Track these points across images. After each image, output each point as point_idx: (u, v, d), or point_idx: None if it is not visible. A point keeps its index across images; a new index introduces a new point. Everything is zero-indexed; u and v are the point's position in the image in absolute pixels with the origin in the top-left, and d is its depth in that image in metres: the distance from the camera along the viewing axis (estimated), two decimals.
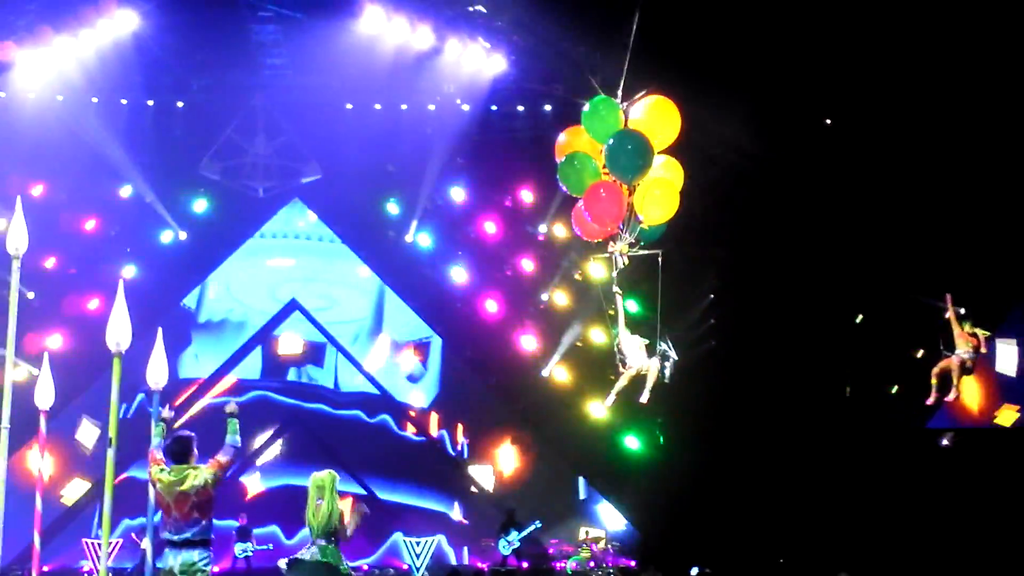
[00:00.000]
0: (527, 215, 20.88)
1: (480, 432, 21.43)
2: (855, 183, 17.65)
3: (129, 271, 19.92)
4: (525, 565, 18.84)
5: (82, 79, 18.61)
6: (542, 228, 20.69)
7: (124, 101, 19.73)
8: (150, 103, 19.98)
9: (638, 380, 11.94)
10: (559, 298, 20.74)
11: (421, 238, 21.13)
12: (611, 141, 10.69)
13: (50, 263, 19.89)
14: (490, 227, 21.11)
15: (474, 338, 21.25)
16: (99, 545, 18.00)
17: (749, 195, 18.42)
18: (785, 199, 18.15)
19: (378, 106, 20.03)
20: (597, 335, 19.63)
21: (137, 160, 20.03)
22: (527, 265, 21.00)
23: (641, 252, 11.20)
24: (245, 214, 21.40)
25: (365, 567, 19.05)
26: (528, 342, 20.73)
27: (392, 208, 21.21)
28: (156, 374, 7.71)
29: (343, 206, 21.27)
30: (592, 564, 18.82)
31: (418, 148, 19.95)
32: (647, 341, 12.14)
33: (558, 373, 20.53)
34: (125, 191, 20.68)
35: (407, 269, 21.49)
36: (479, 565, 19.33)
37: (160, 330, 7.87)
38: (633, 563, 19.45)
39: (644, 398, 11.98)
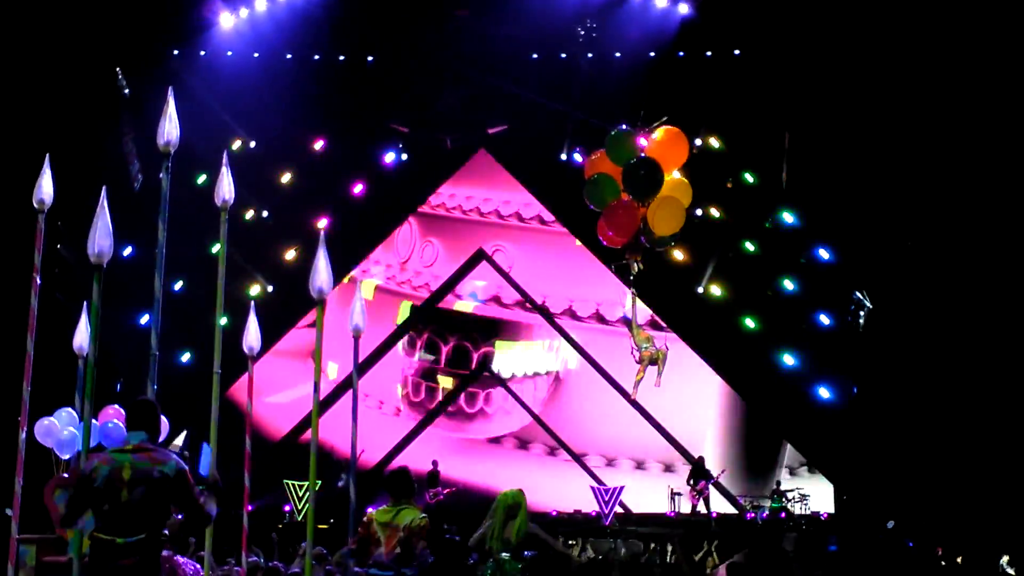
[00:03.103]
0: (714, 161, 20.51)
1: None
2: None
3: (323, 222, 20.55)
4: (714, 515, 18.77)
5: (277, 37, 19.28)
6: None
7: (316, 57, 20.25)
8: (341, 58, 20.47)
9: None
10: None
11: None
12: (627, 166, 12.74)
13: (248, 215, 20.64)
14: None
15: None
16: (300, 486, 18.77)
17: None
18: None
19: (563, 55, 19.99)
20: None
21: (329, 114, 20.65)
22: (715, 214, 20.64)
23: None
24: (434, 165, 21.72)
25: (554, 512, 19.27)
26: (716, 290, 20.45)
27: (578, 157, 21.15)
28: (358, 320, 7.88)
29: (529, 155, 21.34)
30: (783, 515, 18.58)
31: (603, 96, 19.79)
32: (653, 334, 15.21)
33: (748, 322, 20.21)
34: (318, 144, 21.31)
35: (594, 219, 21.38)
36: (669, 514, 19.31)
37: (359, 281, 8.05)
38: (825, 515, 19.14)
39: (657, 383, 15.01)
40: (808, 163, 19.26)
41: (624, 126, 13.81)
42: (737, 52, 19.52)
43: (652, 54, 19.46)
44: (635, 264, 13.44)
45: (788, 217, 20.03)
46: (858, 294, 18.61)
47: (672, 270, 20.52)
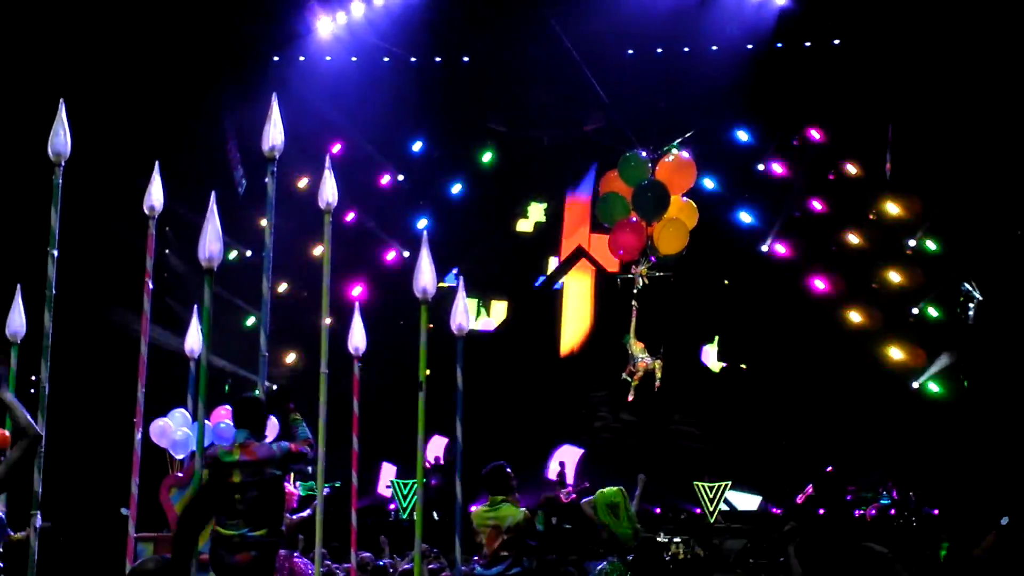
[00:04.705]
0: (815, 153, 20.20)
1: None
2: None
3: (422, 223, 20.71)
4: (821, 511, 18.47)
5: (374, 41, 19.50)
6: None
7: (413, 60, 20.42)
8: (437, 60, 20.61)
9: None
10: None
11: (707, 181, 20.81)
12: (637, 187, 14.26)
13: (349, 217, 20.89)
14: (777, 168, 20.53)
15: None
16: (403, 485, 18.94)
17: None
18: None
19: (659, 50, 19.86)
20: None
21: (427, 116, 20.82)
22: (817, 206, 20.32)
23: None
24: (531, 163, 21.73)
25: (658, 510, 19.13)
26: (820, 285, 20.09)
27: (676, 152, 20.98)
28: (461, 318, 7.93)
29: (625, 151, 21.21)
30: (893, 511, 18.20)
31: (701, 91, 19.60)
32: (643, 344, 15.97)
33: (853, 316, 19.85)
34: (416, 146, 21.48)
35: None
36: (774, 511, 19.07)
37: (461, 277, 8.09)
38: (936, 511, 18.70)
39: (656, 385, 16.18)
40: (913, 152, 18.88)
41: (642, 152, 15.54)
42: (837, 42, 19.20)
43: (750, 46, 19.22)
44: (640, 279, 14.87)
45: (893, 209, 19.63)
46: (967, 285, 18.19)
47: (774, 266, 20.28)
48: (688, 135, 18.06)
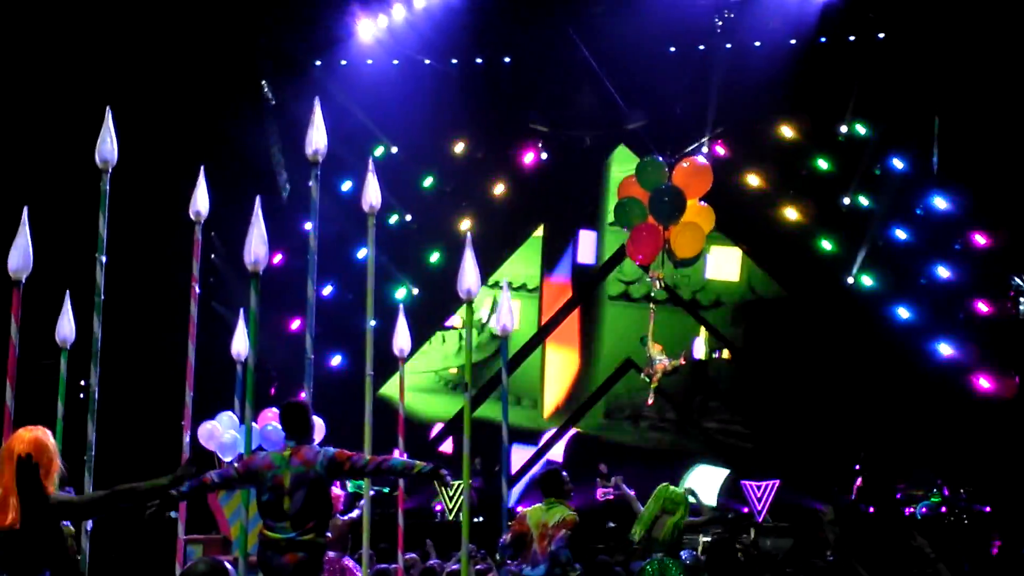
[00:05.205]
0: (862, 148, 20.00)
1: None
2: None
3: (465, 224, 20.73)
4: (871, 509, 18.25)
5: (415, 44, 19.55)
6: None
7: (454, 61, 20.45)
8: (479, 61, 20.63)
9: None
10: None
11: (750, 177, 20.69)
12: (654, 191, 14.48)
13: (393, 219, 20.94)
14: (823, 162, 20.32)
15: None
16: (451, 486, 18.94)
17: None
18: None
19: (701, 47, 19.77)
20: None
21: (468, 117, 20.83)
22: (863, 200, 20.10)
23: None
24: (573, 163, 21.69)
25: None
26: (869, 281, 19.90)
27: (720, 150, 20.88)
28: (506, 319, 7.94)
29: (668, 149, 21.13)
30: (944, 510, 17.99)
31: (744, 87, 19.47)
32: (661, 346, 16.15)
33: (902, 312, 19.64)
34: (458, 148, 21.50)
35: (736, 211, 21.11)
36: (820, 508, 18.89)
37: (506, 281, 8.10)
38: (987, 508, 18.46)
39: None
40: (960, 146, 18.66)
41: (659, 157, 15.73)
42: (881, 35, 19.03)
43: (793, 41, 19.09)
44: (657, 282, 15.10)
45: (941, 202, 19.41)
46: (1017, 280, 17.96)
47: (821, 261, 20.12)
48: (713, 134, 18.28)
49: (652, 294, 15.90)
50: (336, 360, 20.07)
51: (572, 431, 21.74)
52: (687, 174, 14.90)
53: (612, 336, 21.96)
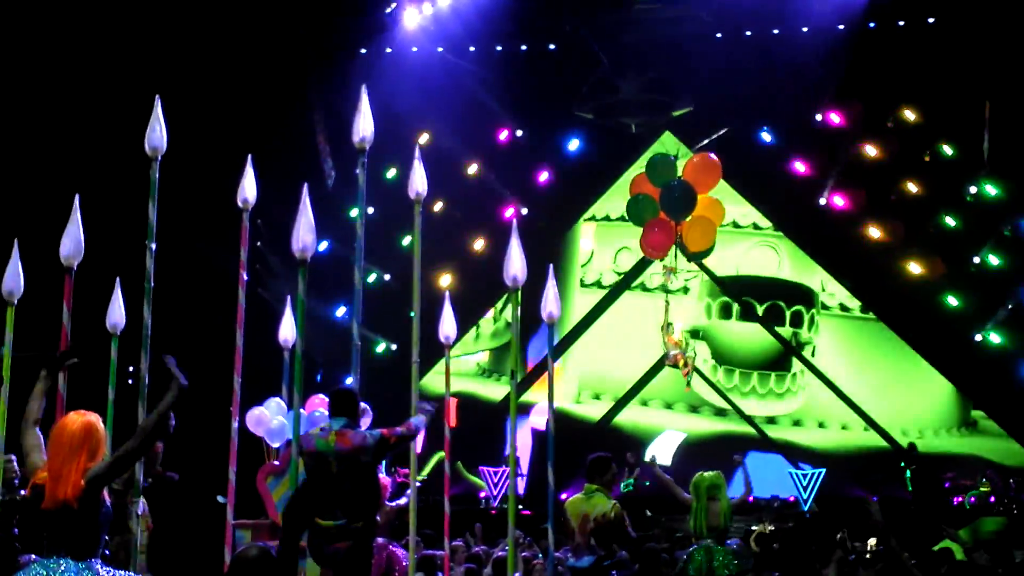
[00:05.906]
0: (911, 136, 19.78)
1: None
2: None
3: (511, 211, 20.73)
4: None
5: (460, 30, 19.55)
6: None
7: (499, 48, 20.43)
8: (523, 48, 20.60)
9: None
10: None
11: (796, 165, 20.53)
12: (664, 187, 14.65)
13: (438, 207, 20.97)
14: (871, 150, 20.12)
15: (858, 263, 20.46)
16: (495, 472, 19.02)
17: None
18: None
19: (748, 33, 19.63)
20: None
21: (513, 104, 20.81)
22: (912, 188, 19.88)
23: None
24: (618, 150, 21.61)
25: (751, 499, 18.94)
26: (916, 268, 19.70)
27: (765, 136, 20.74)
28: (551, 305, 7.90)
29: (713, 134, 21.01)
30: (992, 499, 17.80)
31: (792, 73, 19.29)
32: (676, 340, 16.05)
33: (951, 300, 19.44)
34: (503, 135, 21.49)
35: (782, 198, 20.98)
36: (873, 499, 18.74)
37: (551, 266, 8.06)
38: None
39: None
40: (1011, 132, 18.43)
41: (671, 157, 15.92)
42: (931, 20, 18.81)
43: (841, 27, 18.91)
44: (671, 275, 15.29)
45: (991, 189, 19.18)
46: None
47: (870, 248, 19.94)
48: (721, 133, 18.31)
49: (666, 286, 15.84)
50: (380, 347, 20.18)
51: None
52: (696, 169, 15.03)
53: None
